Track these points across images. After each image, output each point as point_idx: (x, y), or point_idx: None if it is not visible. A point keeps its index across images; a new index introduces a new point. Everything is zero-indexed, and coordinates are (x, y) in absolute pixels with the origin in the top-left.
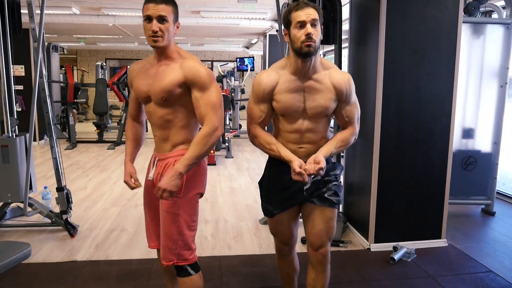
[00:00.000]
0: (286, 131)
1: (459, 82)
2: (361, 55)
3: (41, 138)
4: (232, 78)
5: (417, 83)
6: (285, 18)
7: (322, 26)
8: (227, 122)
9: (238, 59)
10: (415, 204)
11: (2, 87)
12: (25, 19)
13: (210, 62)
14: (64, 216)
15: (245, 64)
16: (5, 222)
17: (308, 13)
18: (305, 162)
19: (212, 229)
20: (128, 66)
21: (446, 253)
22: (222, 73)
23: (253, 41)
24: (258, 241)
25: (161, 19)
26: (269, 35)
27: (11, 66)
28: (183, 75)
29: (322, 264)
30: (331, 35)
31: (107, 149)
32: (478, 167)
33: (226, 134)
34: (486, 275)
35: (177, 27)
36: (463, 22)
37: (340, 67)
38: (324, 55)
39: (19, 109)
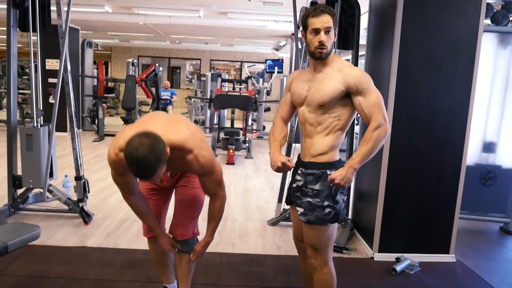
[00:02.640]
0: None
1: (482, 94)
2: (376, 63)
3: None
4: (261, 80)
5: (431, 92)
6: (302, 22)
7: (337, 29)
8: (250, 123)
9: (266, 61)
10: (423, 216)
11: (34, 81)
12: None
13: (239, 63)
14: (80, 204)
15: (271, 66)
16: (27, 206)
17: (323, 21)
18: (299, 155)
19: (220, 227)
20: (157, 64)
21: (453, 269)
22: (249, 74)
23: (282, 44)
24: (262, 241)
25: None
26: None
27: (39, 61)
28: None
29: (312, 265)
30: (349, 40)
31: None
32: (498, 183)
33: (247, 134)
34: None
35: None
36: (489, 31)
37: None
38: None
39: (53, 101)
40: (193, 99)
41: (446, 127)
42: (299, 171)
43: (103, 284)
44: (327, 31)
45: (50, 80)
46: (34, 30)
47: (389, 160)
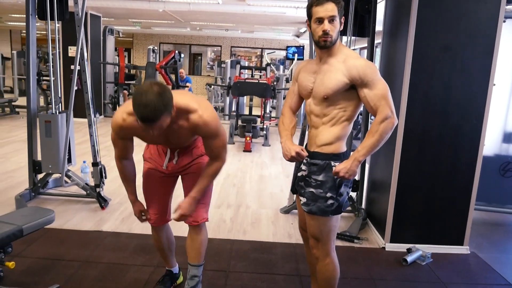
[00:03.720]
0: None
1: (503, 83)
2: (391, 50)
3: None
4: (281, 67)
5: (447, 81)
6: (307, 11)
7: (343, 17)
8: (267, 111)
9: (288, 48)
10: (437, 207)
11: (51, 68)
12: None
13: (260, 50)
14: (97, 190)
15: (290, 52)
16: (48, 191)
17: (327, 10)
18: (306, 145)
19: (233, 214)
20: (177, 51)
21: (466, 261)
22: (269, 61)
23: (302, 30)
24: (274, 229)
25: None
26: None
27: (57, 49)
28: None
29: (314, 255)
30: (365, 27)
31: None
32: None
33: (265, 122)
34: None
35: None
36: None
37: (371, 61)
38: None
39: (76, 88)
40: (212, 86)
41: (462, 117)
42: (304, 161)
43: (116, 267)
44: (331, 19)
45: (73, 67)
46: (52, 18)
47: (402, 149)
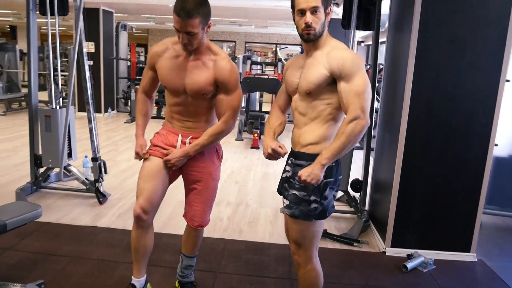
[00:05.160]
0: None
1: None
2: (396, 44)
3: (105, 110)
4: None
5: (454, 76)
6: (291, 2)
7: (330, 7)
8: None
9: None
10: (442, 211)
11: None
12: None
13: (275, 45)
14: (96, 185)
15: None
16: (49, 185)
17: (308, 1)
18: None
19: (231, 212)
20: None
21: (472, 269)
22: (280, 57)
23: None
24: (271, 229)
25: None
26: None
27: (58, 44)
28: None
29: (295, 261)
30: (371, 20)
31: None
32: None
33: None
34: None
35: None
36: None
37: (376, 55)
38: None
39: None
40: None
41: (470, 115)
42: (289, 161)
43: (105, 264)
44: (313, 11)
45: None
46: (53, 13)
47: (405, 148)
